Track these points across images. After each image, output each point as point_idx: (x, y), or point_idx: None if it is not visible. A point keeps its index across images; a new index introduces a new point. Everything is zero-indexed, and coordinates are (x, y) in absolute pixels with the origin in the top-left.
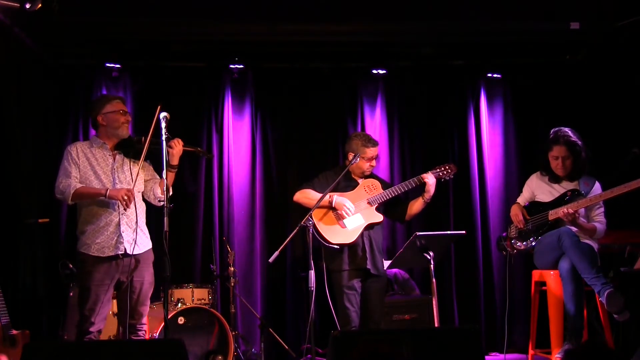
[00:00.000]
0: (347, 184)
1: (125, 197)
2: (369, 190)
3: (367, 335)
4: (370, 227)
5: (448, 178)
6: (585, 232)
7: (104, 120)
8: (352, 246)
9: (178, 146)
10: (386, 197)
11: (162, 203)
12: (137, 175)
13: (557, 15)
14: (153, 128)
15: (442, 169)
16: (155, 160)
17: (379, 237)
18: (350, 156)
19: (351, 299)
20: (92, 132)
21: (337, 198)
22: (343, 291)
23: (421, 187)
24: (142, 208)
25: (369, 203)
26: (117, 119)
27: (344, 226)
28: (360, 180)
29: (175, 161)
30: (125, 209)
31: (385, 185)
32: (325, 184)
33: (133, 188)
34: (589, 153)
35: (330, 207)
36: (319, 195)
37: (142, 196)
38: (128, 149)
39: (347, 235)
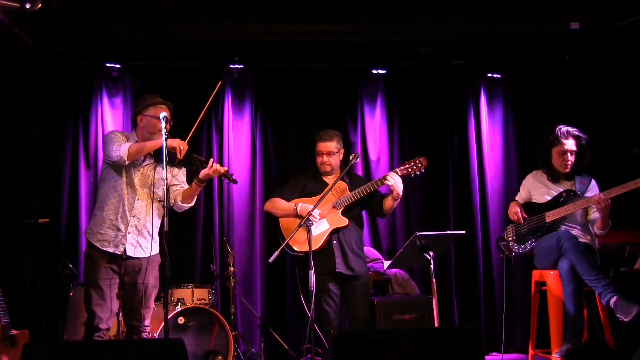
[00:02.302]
0: (316, 187)
1: (181, 147)
2: (335, 193)
3: (367, 335)
4: (336, 231)
5: (419, 172)
6: (606, 223)
7: (142, 121)
8: (321, 251)
9: (212, 174)
10: (351, 200)
11: (183, 210)
12: (155, 181)
13: (557, 15)
14: (166, 130)
15: (411, 164)
16: (189, 172)
17: (353, 238)
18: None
19: (328, 301)
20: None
21: (301, 205)
22: (320, 294)
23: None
24: (158, 214)
25: (333, 207)
26: (156, 124)
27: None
28: (328, 182)
29: (205, 178)
30: (175, 159)
31: (357, 182)
32: (296, 190)
33: (152, 192)
34: (591, 153)
35: (297, 216)
36: (288, 204)
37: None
38: (160, 154)
39: (312, 242)
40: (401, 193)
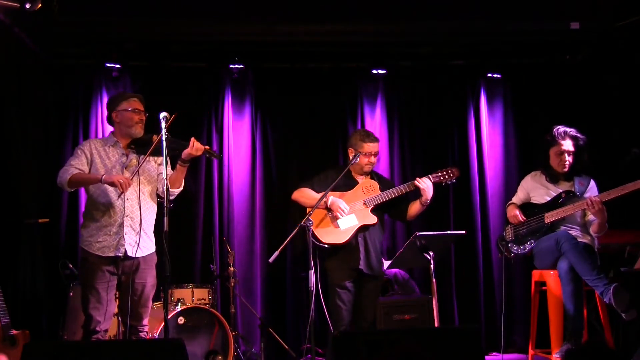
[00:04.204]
0: (346, 183)
1: (121, 181)
2: (366, 191)
3: (367, 335)
4: (365, 228)
5: (450, 182)
6: (602, 227)
7: (117, 117)
8: (345, 246)
9: (195, 152)
10: (382, 199)
11: (174, 195)
12: (136, 170)
13: (557, 15)
14: (166, 130)
15: (444, 173)
16: (172, 160)
17: (377, 238)
18: (350, 153)
19: (343, 297)
20: (109, 128)
21: (332, 199)
22: (335, 290)
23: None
24: (150, 210)
25: (364, 204)
26: (131, 117)
27: (337, 226)
28: (360, 180)
29: (188, 158)
30: (120, 194)
31: (385, 184)
32: (325, 183)
33: (131, 179)
34: (589, 154)
35: (325, 208)
36: (317, 194)
37: (157, 195)
38: (141, 147)
39: (339, 236)
40: (430, 199)
